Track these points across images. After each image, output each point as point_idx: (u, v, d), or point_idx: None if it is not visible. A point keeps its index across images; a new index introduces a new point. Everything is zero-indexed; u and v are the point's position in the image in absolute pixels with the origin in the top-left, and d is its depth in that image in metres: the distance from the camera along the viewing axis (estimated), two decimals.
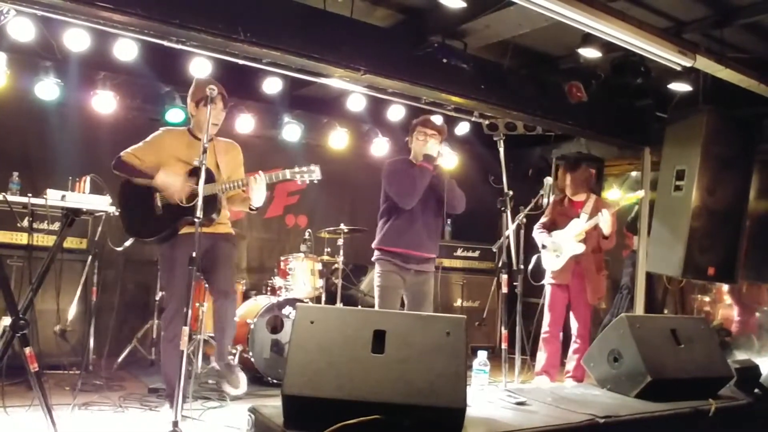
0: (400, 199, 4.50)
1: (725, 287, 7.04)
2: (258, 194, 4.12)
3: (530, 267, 5.75)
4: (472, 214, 5.45)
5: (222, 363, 4.34)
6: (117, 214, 4.13)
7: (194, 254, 3.58)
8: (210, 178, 4.07)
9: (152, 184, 4.08)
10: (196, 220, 3.62)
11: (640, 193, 5.85)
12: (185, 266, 3.77)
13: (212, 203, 4.08)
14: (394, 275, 4.55)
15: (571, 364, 5.57)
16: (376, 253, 4.67)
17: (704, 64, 5.02)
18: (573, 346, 5.59)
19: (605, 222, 5.35)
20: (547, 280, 5.69)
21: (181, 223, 4.07)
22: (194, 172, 4.05)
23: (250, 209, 4.27)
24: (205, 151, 3.72)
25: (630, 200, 5.89)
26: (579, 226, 5.54)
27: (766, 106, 5.80)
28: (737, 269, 6.16)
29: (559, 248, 5.59)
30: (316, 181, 4.19)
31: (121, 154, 4.16)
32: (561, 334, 5.68)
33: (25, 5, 4.02)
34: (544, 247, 5.66)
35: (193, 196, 3.95)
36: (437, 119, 4.87)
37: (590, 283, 5.56)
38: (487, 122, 7.00)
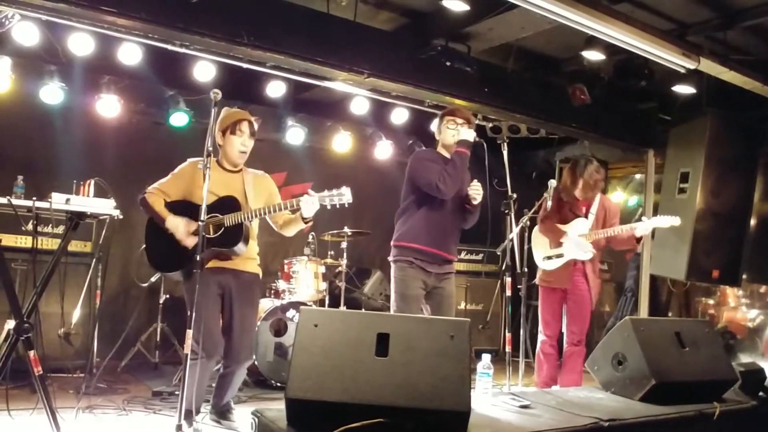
0: (442, 187, 4.11)
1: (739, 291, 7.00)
2: (309, 209, 3.95)
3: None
4: None
5: (221, 409, 4.26)
6: (143, 249, 4.12)
7: (198, 257, 3.58)
8: (235, 207, 4.04)
9: (165, 226, 3.99)
10: (198, 233, 3.62)
11: (676, 221, 5.06)
12: (208, 302, 3.87)
13: (237, 232, 4.00)
14: (415, 282, 4.21)
15: (569, 370, 5.21)
16: (394, 250, 4.31)
17: (708, 67, 5.01)
18: (571, 351, 5.19)
19: (646, 230, 4.96)
20: (540, 281, 5.28)
21: (206, 256, 3.87)
22: (219, 203, 4.01)
23: (305, 222, 4.08)
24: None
25: (662, 225, 5.10)
26: (584, 227, 5.16)
27: None
28: (741, 272, 6.15)
29: (561, 247, 5.18)
30: (347, 205, 4.00)
31: (148, 190, 4.09)
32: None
33: (29, 9, 4.04)
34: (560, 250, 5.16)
35: (219, 226, 3.97)
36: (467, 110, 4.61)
37: (594, 286, 5.20)
38: (490, 125, 7.01)
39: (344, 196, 3.93)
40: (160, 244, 4.04)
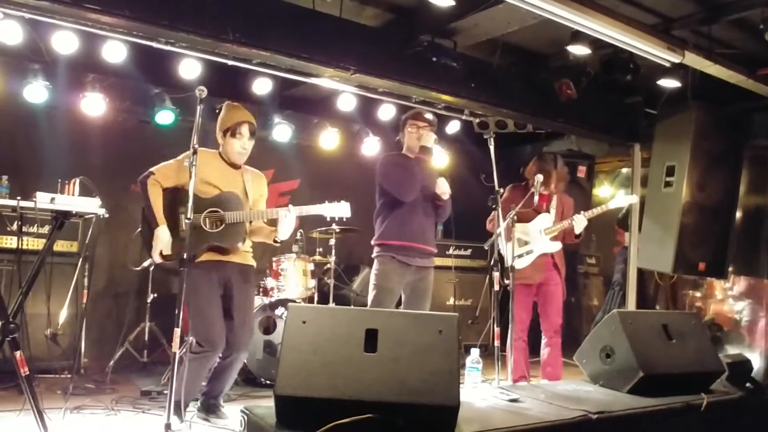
0: (402, 192, 4.49)
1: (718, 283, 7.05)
2: (287, 228, 4.06)
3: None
4: (463, 212, 5.46)
5: (211, 402, 4.26)
6: (138, 232, 4.12)
7: (185, 255, 3.58)
8: (238, 204, 4.09)
9: (154, 230, 3.95)
10: (186, 226, 3.62)
11: (633, 198, 5.84)
12: (210, 293, 3.98)
13: (238, 230, 4.08)
14: (394, 276, 4.50)
15: (550, 363, 5.35)
16: (376, 249, 4.62)
17: (693, 60, 5.05)
18: (550, 343, 5.35)
19: (581, 224, 5.19)
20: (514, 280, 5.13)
21: (203, 249, 4.01)
22: (221, 199, 4.07)
23: (275, 241, 4.16)
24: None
25: (619, 206, 5.63)
26: (548, 221, 5.35)
27: (755, 101, 5.83)
28: (728, 264, 6.20)
29: (528, 244, 5.32)
30: (345, 219, 4.23)
31: (152, 171, 4.03)
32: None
33: (12, 8, 4.00)
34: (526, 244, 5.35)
35: (220, 221, 4.01)
36: (427, 112, 4.87)
37: (564, 276, 5.44)
38: (477, 120, 7.00)
39: (344, 209, 4.23)
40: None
